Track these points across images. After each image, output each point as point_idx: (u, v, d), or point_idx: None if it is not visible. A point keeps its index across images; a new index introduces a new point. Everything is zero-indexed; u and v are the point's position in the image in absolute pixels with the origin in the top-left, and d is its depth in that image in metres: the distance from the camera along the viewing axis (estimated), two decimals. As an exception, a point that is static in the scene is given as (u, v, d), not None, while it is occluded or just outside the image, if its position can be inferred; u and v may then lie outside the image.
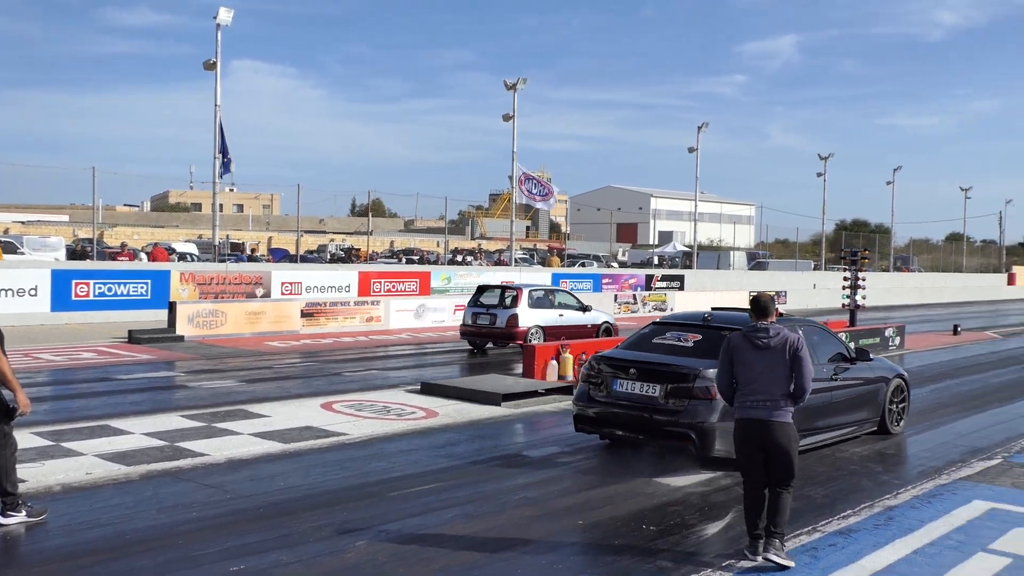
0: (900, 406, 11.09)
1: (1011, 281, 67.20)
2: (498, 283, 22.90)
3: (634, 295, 34.05)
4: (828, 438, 9.70)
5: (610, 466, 9.17)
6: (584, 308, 20.85)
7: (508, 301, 19.77)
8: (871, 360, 10.50)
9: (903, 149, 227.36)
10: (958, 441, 11.05)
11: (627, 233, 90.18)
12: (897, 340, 22.79)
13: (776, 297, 5.33)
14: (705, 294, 37.11)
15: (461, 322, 20.63)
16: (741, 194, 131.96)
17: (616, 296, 33.38)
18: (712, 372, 8.03)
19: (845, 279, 24.37)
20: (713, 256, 54.66)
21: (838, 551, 6.46)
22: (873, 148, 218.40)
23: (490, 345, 20.13)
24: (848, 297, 23.95)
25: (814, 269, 51.86)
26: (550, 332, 19.46)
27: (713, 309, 10.75)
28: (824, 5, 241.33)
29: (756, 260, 55.86)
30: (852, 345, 10.76)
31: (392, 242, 59.49)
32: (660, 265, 53.88)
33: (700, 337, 9.11)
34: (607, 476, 8.73)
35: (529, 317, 19.51)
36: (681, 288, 38.28)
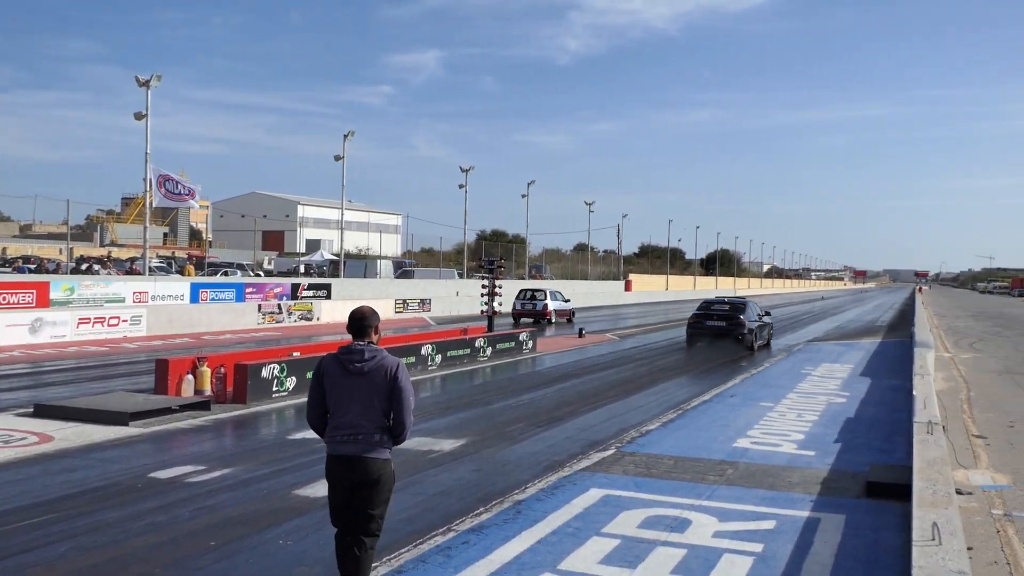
0: (770, 333, 27.74)
1: (628, 287, 74.77)
2: (532, 287, 41.51)
3: (279, 305, 33.38)
4: (762, 343, 25.78)
5: (247, 482, 8.90)
6: (567, 300, 39.73)
7: (541, 296, 38.15)
8: (770, 315, 27.86)
9: (537, 164, 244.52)
10: (580, 435, 12.05)
11: (274, 241, 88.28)
12: (531, 344, 24.32)
13: (375, 314, 4.75)
14: (353, 303, 37.29)
15: (512, 308, 37.89)
16: (389, 203, 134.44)
17: (260, 306, 32.50)
18: (742, 318, 24.99)
19: (483, 287, 25.59)
20: (360, 264, 55.06)
21: (471, 548, 6.73)
22: (510, 162, 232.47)
23: (531, 320, 37.03)
24: (486, 304, 25.20)
25: (458, 277, 54.07)
26: (559, 313, 38.20)
27: (717, 298, 28.31)
28: (465, 24, 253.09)
29: (403, 268, 57.11)
30: (763, 309, 28.35)
31: (4, 248, 53.33)
32: (307, 274, 53.32)
33: (729, 306, 25.73)
34: (244, 493, 8.46)
35: (552, 305, 37.80)
36: (328, 297, 38.15)
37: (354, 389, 5.12)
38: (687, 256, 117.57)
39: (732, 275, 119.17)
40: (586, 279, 72.50)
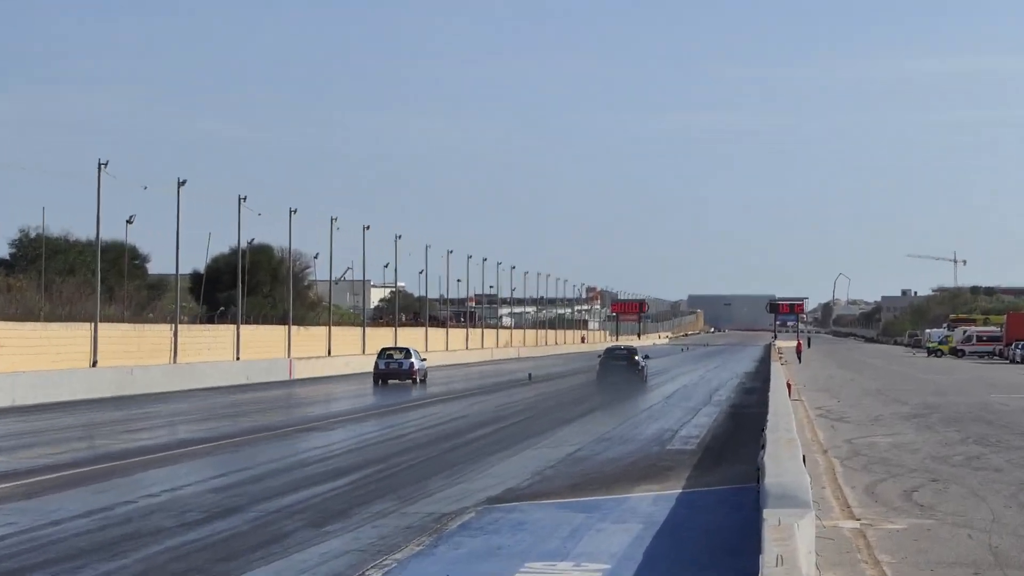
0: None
1: None
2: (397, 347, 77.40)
3: None
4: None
5: None
6: (423, 358, 73.06)
7: (407, 355, 70.32)
8: (648, 357, 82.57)
9: None
10: None
11: None
12: None
13: None
14: None
15: (375, 368, 69.04)
16: None
17: None
18: (638, 358, 67.64)
19: None
20: None
21: None
22: None
23: (395, 381, 66.91)
24: None
25: None
26: (419, 372, 68.79)
27: (611, 347, 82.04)
28: None
29: None
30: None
31: None
32: None
33: (624, 351, 72.90)
34: None
35: (417, 365, 69.41)
36: None
37: None
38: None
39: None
40: None
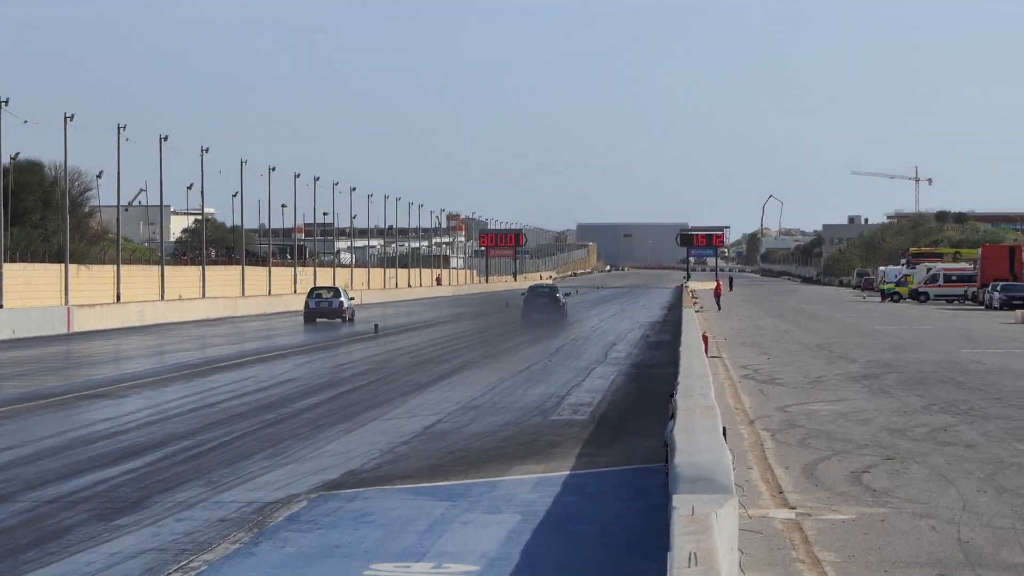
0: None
1: None
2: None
3: None
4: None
5: None
6: (351, 297, 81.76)
7: (336, 294, 78.73)
8: (568, 294, 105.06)
9: None
10: None
11: None
12: None
13: None
14: None
15: (305, 307, 75.74)
16: None
17: None
18: (559, 295, 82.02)
19: None
20: None
21: None
22: None
23: (325, 320, 74.12)
24: None
25: None
26: (348, 311, 75.84)
27: (533, 285, 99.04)
28: None
29: None
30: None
31: None
32: None
33: (547, 289, 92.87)
34: None
35: (347, 304, 78.19)
36: None
37: None
38: None
39: None
40: None
